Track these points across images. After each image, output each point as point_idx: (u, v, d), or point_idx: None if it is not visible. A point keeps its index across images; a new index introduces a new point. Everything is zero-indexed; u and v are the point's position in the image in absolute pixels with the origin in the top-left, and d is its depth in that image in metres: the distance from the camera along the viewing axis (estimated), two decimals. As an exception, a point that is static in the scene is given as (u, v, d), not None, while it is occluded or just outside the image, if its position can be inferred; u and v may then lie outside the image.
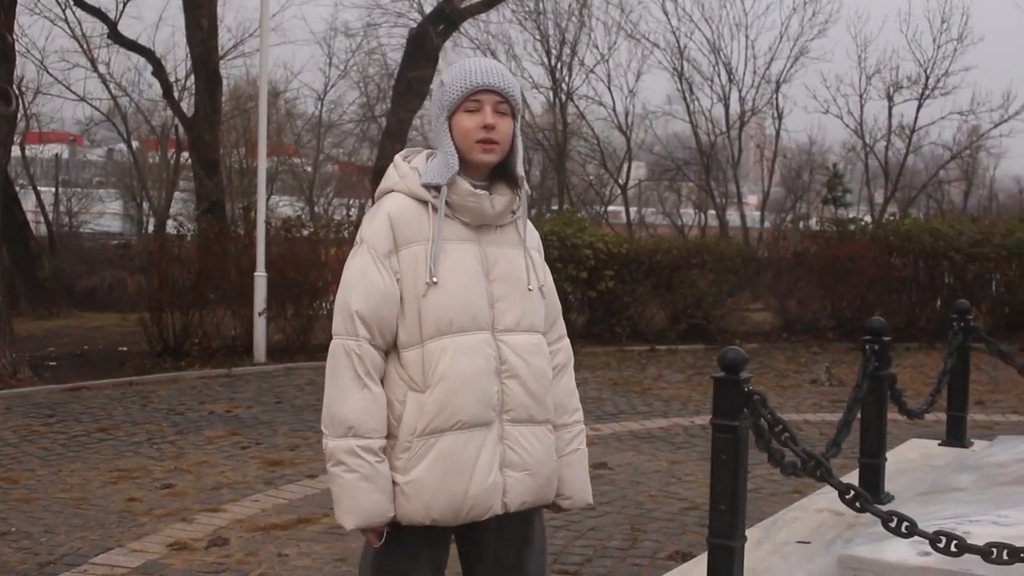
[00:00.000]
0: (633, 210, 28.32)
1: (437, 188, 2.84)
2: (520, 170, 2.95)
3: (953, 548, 3.97)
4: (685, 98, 25.49)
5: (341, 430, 2.81)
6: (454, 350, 2.80)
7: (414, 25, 19.50)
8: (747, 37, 25.34)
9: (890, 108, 27.05)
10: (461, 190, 2.85)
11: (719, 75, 25.49)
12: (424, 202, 2.87)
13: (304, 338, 14.15)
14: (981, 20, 49.83)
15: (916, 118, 27.06)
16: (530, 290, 2.94)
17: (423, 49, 17.99)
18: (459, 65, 2.94)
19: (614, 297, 15.57)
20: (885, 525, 4.09)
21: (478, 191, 2.87)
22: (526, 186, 3.01)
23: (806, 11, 25.53)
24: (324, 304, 14.60)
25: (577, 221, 16.46)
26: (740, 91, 25.48)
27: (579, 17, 25.25)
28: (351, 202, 25.75)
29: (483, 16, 21.57)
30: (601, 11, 25.63)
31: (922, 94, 26.54)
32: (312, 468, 7.79)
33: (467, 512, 2.83)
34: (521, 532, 3.02)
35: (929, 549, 4.05)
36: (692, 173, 27.87)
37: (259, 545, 5.96)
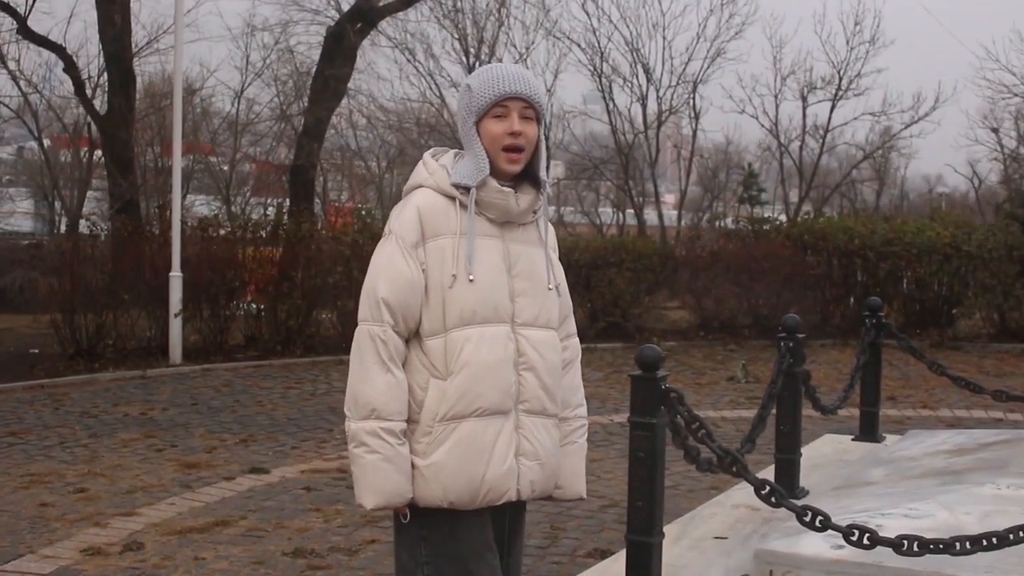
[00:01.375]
0: (552, 209, 28.38)
1: (466, 188, 2.94)
2: (543, 172, 3.04)
3: (866, 541, 4.04)
4: (604, 97, 25.60)
5: (364, 412, 2.88)
6: (477, 339, 2.89)
7: (332, 23, 19.35)
8: (665, 38, 25.51)
9: (804, 108, 27.42)
10: (489, 187, 2.94)
11: (637, 75, 25.64)
12: (451, 198, 2.96)
13: (221, 339, 14.01)
14: (893, 23, 50.88)
15: (830, 118, 27.46)
16: (549, 288, 3.05)
17: (341, 47, 17.87)
18: (487, 71, 2.99)
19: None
20: (800, 519, 4.14)
21: (505, 189, 2.97)
22: (548, 187, 3.10)
23: (723, 12, 25.69)
24: (241, 304, 14.47)
25: (496, 220, 16.44)
26: (658, 91, 25.65)
27: (497, 16, 25.23)
28: (269, 201, 25.51)
29: (401, 15, 21.46)
30: (520, 10, 25.58)
31: (835, 95, 26.93)
32: (229, 470, 7.71)
33: (484, 496, 2.91)
34: (514, 522, 3.13)
35: (843, 542, 4.12)
36: (610, 172, 28.00)
37: (175, 549, 5.88)
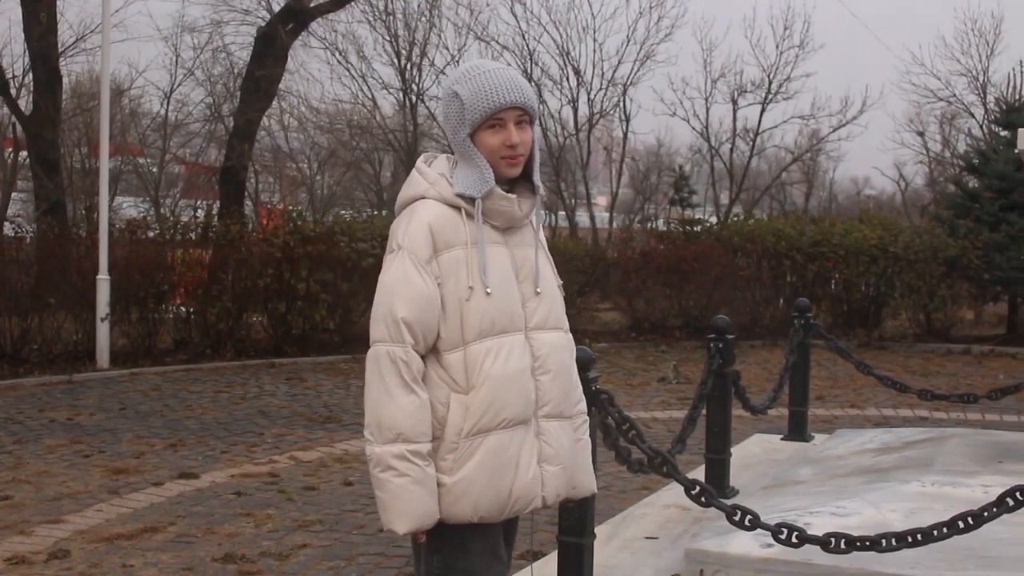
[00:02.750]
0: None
1: (470, 199, 2.89)
2: (537, 177, 3.01)
3: (794, 539, 4.08)
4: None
5: (390, 436, 2.79)
6: (497, 350, 2.85)
7: (263, 23, 19.19)
8: (595, 40, 25.68)
9: (735, 111, 27.75)
10: (495, 196, 2.90)
11: (567, 78, 25.76)
12: (457, 208, 2.90)
13: (149, 343, 13.83)
14: (821, 28, 51.41)
15: (760, 121, 27.82)
16: (539, 289, 2.98)
17: (272, 48, 17.73)
18: (476, 79, 2.89)
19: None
20: (729, 519, 4.18)
21: (510, 195, 2.93)
22: (541, 188, 3.08)
23: (652, 15, 25.91)
24: (170, 307, 14.31)
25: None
26: (588, 93, 25.80)
27: (429, 18, 25.22)
28: (199, 203, 25.23)
29: (333, 16, 21.34)
30: (451, 12, 25.57)
31: (765, 98, 27.28)
32: (158, 476, 7.61)
33: (512, 507, 2.87)
34: (510, 529, 3.09)
35: (772, 541, 4.16)
36: (542, 174, 28.02)
37: (102, 556, 5.79)
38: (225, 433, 9.27)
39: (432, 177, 2.94)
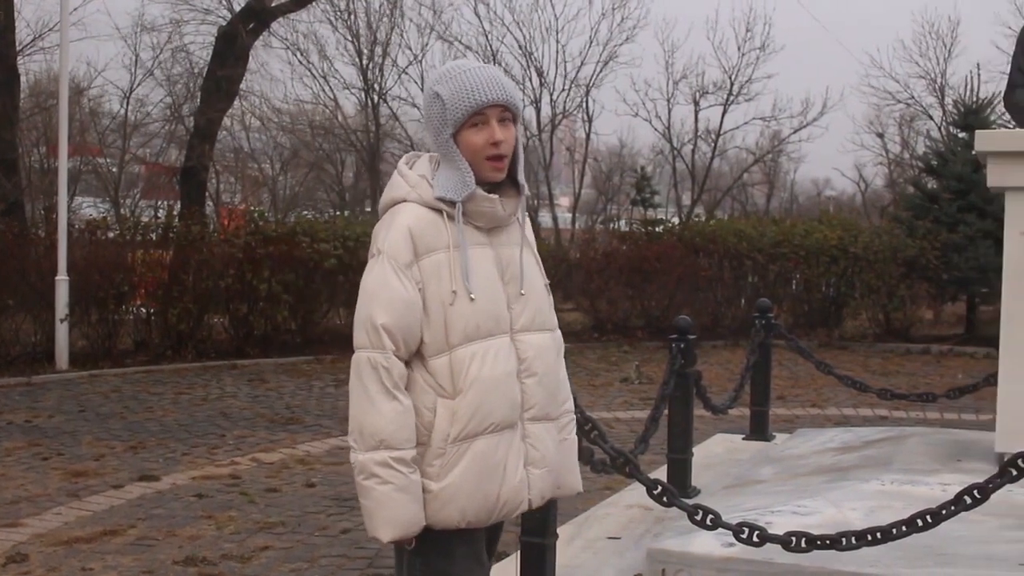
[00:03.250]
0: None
1: (451, 203, 2.84)
2: (522, 176, 2.95)
3: (755, 538, 4.11)
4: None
5: (372, 442, 2.77)
6: (483, 354, 2.81)
7: (223, 23, 19.09)
8: (558, 41, 25.71)
9: (696, 113, 27.88)
10: (476, 198, 2.85)
11: (530, 78, 25.78)
12: (438, 211, 2.86)
13: (109, 344, 13.72)
14: (782, 30, 51.54)
15: (721, 123, 27.96)
16: (523, 291, 2.93)
17: (233, 47, 17.63)
18: (457, 78, 2.85)
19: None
20: (691, 518, 4.20)
21: (492, 196, 2.88)
22: (527, 188, 3.03)
23: (615, 16, 26.02)
24: (131, 309, 14.20)
25: (390, 222, 16.37)
26: (551, 94, 25.84)
27: (391, 18, 25.17)
28: (159, 203, 25.05)
29: (294, 15, 21.25)
30: (413, 12, 25.56)
31: (727, 100, 27.42)
32: (117, 478, 7.55)
33: (499, 512, 2.86)
34: (494, 534, 3.08)
35: (733, 540, 4.18)
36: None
37: (61, 560, 5.74)
38: (186, 435, 9.21)
39: (413, 180, 2.90)
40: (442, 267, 2.81)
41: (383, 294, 2.79)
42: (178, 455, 8.39)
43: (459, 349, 2.81)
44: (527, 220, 3.06)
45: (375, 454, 2.77)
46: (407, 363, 2.82)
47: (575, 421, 3.13)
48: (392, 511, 2.77)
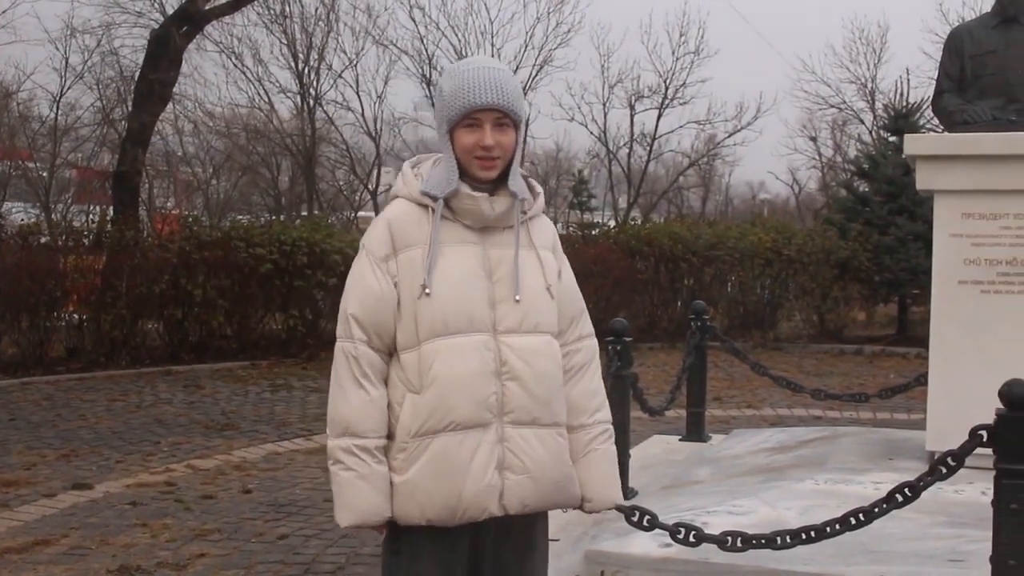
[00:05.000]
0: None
1: (435, 197, 2.86)
2: (516, 179, 2.91)
3: (691, 539, 4.14)
4: (433, 104, 25.61)
5: (339, 429, 2.84)
6: (447, 351, 2.80)
7: (156, 26, 18.88)
8: (493, 45, 25.72)
9: (632, 116, 28.03)
10: (461, 194, 2.86)
11: (466, 82, 25.74)
12: (424, 207, 2.89)
13: (41, 351, 13.50)
14: (716, 35, 52.23)
15: (657, 126, 28.13)
16: (518, 297, 2.88)
17: (166, 51, 17.43)
18: (459, 75, 2.87)
19: (365, 303, 15.48)
20: (628, 520, 4.22)
21: (476, 194, 2.86)
22: (537, 185, 3.03)
23: (550, 21, 26.08)
24: (63, 315, 13.99)
25: (326, 227, 16.33)
26: (488, 98, 25.82)
27: (326, 22, 25.05)
28: (91, 208, 24.70)
29: (228, 18, 21.07)
30: (349, 16, 25.46)
31: (662, 103, 27.61)
32: (50, 487, 7.44)
33: (462, 513, 2.81)
34: (522, 537, 2.98)
35: (670, 540, 4.21)
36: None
37: (-8, 570, 5.66)
38: (120, 442, 9.10)
39: (408, 177, 2.96)
40: (416, 262, 2.84)
41: (357, 286, 2.87)
42: (112, 463, 8.29)
43: (426, 345, 2.81)
44: (545, 222, 3.05)
45: (341, 440, 2.83)
46: (390, 357, 2.88)
47: (608, 432, 3.06)
48: (351, 498, 2.81)
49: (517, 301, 2.88)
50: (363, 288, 2.86)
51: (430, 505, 2.80)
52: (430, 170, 2.95)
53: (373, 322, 2.84)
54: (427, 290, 2.81)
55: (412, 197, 2.91)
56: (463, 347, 2.81)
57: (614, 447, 3.09)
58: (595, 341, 3.10)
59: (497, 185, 2.91)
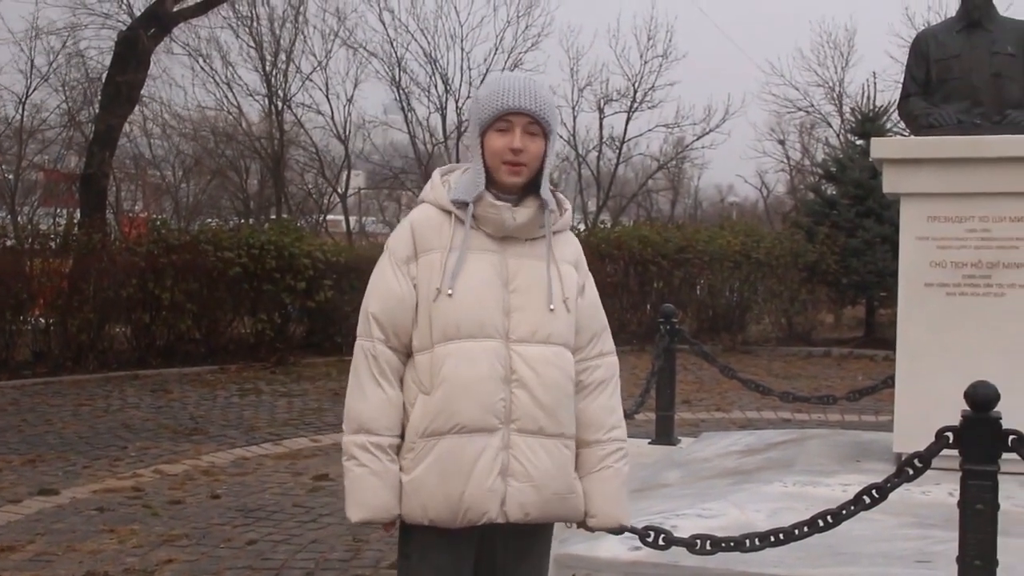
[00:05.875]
0: (353, 219, 28.22)
1: (463, 203, 2.92)
2: (546, 188, 2.96)
3: (661, 542, 4.15)
4: (403, 108, 25.60)
5: (354, 426, 2.91)
6: (458, 355, 2.86)
7: (124, 27, 18.76)
8: (463, 49, 25.69)
9: (601, 120, 28.05)
10: (483, 202, 2.91)
11: (436, 85, 25.74)
12: (448, 212, 2.95)
13: (7, 355, 13.39)
14: (684, 38, 52.48)
15: (625, 130, 28.15)
16: (552, 307, 2.94)
17: (134, 52, 17.33)
18: (495, 82, 2.95)
19: (334, 307, 15.48)
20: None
21: (498, 203, 2.91)
22: (565, 201, 3.05)
23: (519, 24, 26.05)
24: (29, 319, 13.88)
25: (295, 230, 16.27)
26: (457, 101, 25.78)
27: (294, 24, 24.95)
28: (58, 211, 24.52)
29: (196, 21, 20.96)
30: (317, 19, 25.35)
31: (631, 107, 27.64)
32: (15, 493, 7.38)
33: (463, 515, 2.85)
34: (522, 544, 3.01)
35: (639, 544, 4.22)
36: (411, 182, 28.04)
37: (-43, 577, 5.60)
38: (87, 447, 9.03)
39: (435, 183, 3.02)
40: (435, 266, 2.90)
41: (378, 286, 2.96)
42: (78, 468, 8.23)
43: (439, 347, 2.87)
44: (569, 236, 3.08)
45: (356, 437, 2.90)
46: (406, 357, 2.94)
47: (622, 451, 3.07)
48: (363, 494, 2.87)
49: (552, 310, 2.93)
50: (384, 288, 2.94)
51: (432, 504, 2.86)
52: (459, 178, 3.01)
53: (392, 322, 2.91)
54: (444, 293, 2.87)
55: (437, 202, 2.98)
56: (474, 352, 2.86)
57: (627, 468, 3.10)
58: (616, 359, 3.14)
59: (522, 197, 2.96)
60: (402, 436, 2.92)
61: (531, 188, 2.96)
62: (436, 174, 3.06)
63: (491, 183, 2.93)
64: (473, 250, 2.91)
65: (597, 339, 3.10)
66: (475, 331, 2.87)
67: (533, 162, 2.93)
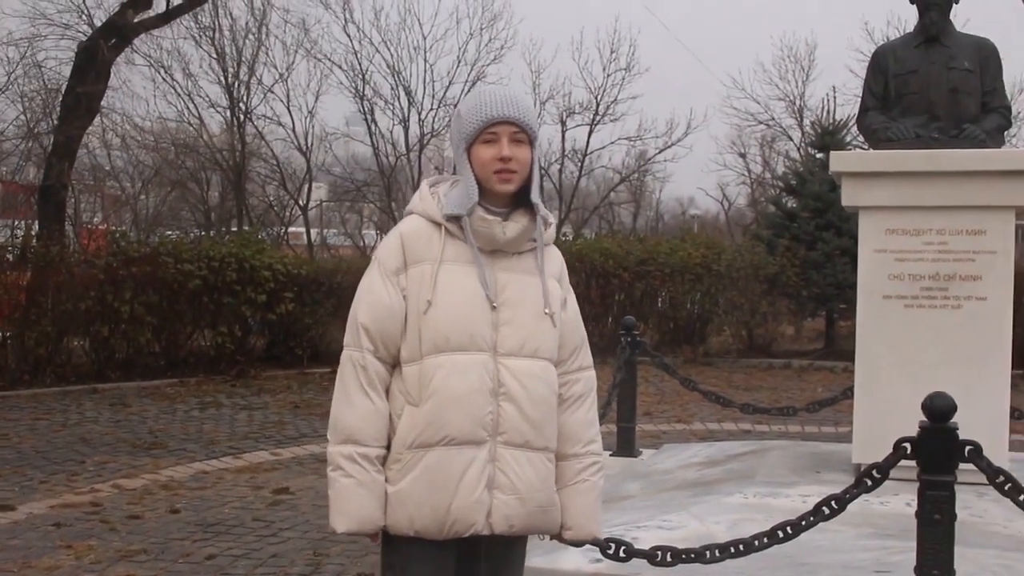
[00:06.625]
0: (315, 231, 28.10)
1: (456, 218, 2.92)
2: (536, 197, 2.98)
3: (622, 554, 4.16)
4: (365, 120, 25.54)
5: (341, 436, 2.90)
6: (448, 367, 2.86)
7: (83, 38, 18.63)
8: (426, 61, 25.68)
9: (563, 132, 28.11)
10: (474, 216, 2.92)
11: (399, 98, 25.71)
12: (437, 225, 2.95)
13: (-38, 368, 13.25)
14: (647, 52, 52.65)
15: (588, 142, 28.22)
16: (546, 313, 2.98)
17: (94, 63, 17.22)
18: (475, 95, 2.99)
19: (294, 319, 15.41)
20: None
21: (489, 216, 2.92)
22: (549, 215, 3.05)
23: (483, 37, 26.08)
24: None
25: (256, 243, 16.19)
26: (420, 113, 25.78)
27: (256, 35, 24.87)
28: (16, 223, 24.29)
29: (158, 31, 20.83)
30: (280, 30, 25.25)
31: (593, 120, 27.71)
32: (-29, 507, 7.29)
33: (450, 527, 2.86)
34: (503, 555, 3.04)
35: (600, 556, 4.22)
36: (373, 194, 27.99)
37: (-90, 594, 5.52)
38: (44, 462, 8.94)
39: (424, 194, 3.02)
40: (424, 278, 2.91)
41: (368, 297, 2.95)
42: (35, 483, 8.14)
43: (428, 359, 2.88)
44: (553, 250, 3.11)
45: (343, 447, 2.89)
46: (392, 368, 2.94)
47: (598, 465, 3.10)
48: (350, 504, 2.87)
49: (543, 321, 2.97)
50: (373, 299, 2.94)
51: (419, 516, 2.86)
52: (448, 191, 3.00)
53: (381, 333, 2.91)
54: (434, 305, 2.88)
55: (426, 214, 2.98)
56: (464, 364, 2.88)
57: (603, 482, 3.14)
58: (594, 373, 3.16)
59: (510, 211, 2.98)
60: (387, 447, 2.92)
61: (519, 201, 2.99)
62: (424, 185, 3.07)
63: (481, 196, 2.94)
64: (464, 263, 2.93)
65: (577, 353, 3.13)
66: (465, 344, 2.88)
67: (523, 169, 2.95)
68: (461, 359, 2.87)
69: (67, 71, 18.63)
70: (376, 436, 2.89)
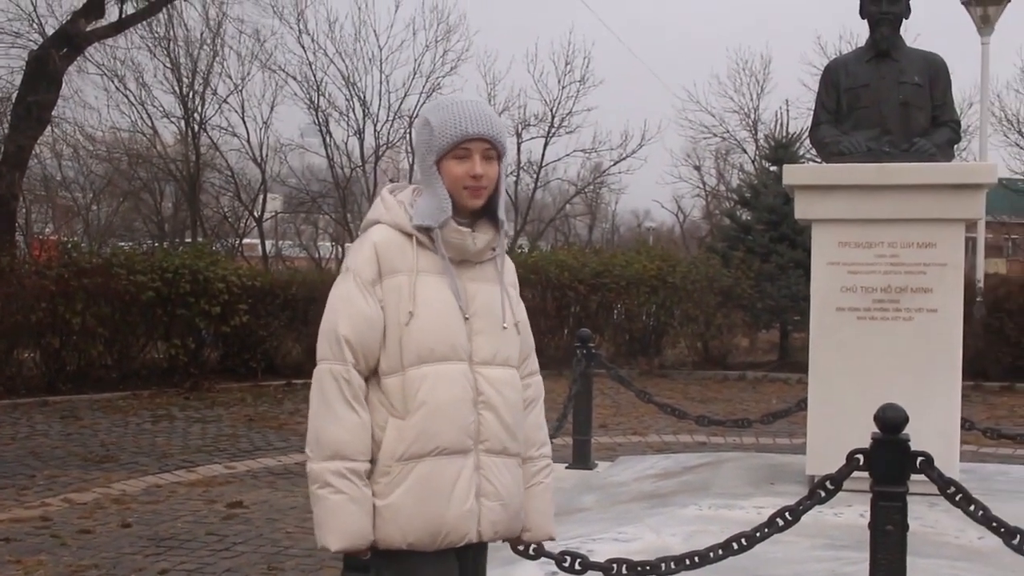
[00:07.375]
0: (269, 243, 27.95)
1: (427, 229, 2.90)
2: (502, 211, 3.01)
3: (577, 567, 4.16)
4: (320, 131, 25.45)
5: (328, 452, 2.84)
6: (435, 378, 2.86)
7: (34, 47, 18.45)
8: (382, 72, 25.63)
9: (519, 144, 28.09)
10: (448, 227, 2.91)
11: (354, 109, 25.64)
12: (408, 235, 2.93)
13: (-90, 382, 13.05)
14: (602, 64, 52.78)
15: (543, 154, 28.24)
16: (505, 326, 3.00)
17: (45, 72, 17.06)
18: (448, 108, 2.95)
19: (249, 331, 15.31)
20: (514, 548, 4.20)
21: (462, 228, 2.93)
22: (506, 225, 3.07)
23: (438, 49, 26.06)
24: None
25: (210, 254, 16.08)
26: (375, 125, 25.72)
27: (212, 45, 24.71)
28: (-35, 234, 23.98)
29: (111, 41, 20.66)
30: (235, 40, 25.10)
31: (548, 132, 27.74)
32: (-82, 523, 7.18)
33: (444, 537, 2.85)
34: (481, 561, 3.07)
35: (556, 569, 4.22)
36: (328, 206, 27.88)
37: None
38: (-7, 476, 8.83)
39: (390, 204, 2.99)
40: (402, 289, 2.90)
41: (347, 309, 2.90)
42: (-16, 497, 8.03)
43: (411, 370, 2.87)
44: (507, 260, 3.12)
45: (330, 463, 2.84)
46: (367, 381, 2.90)
47: (551, 467, 3.18)
48: (342, 521, 2.82)
49: (505, 328, 3.00)
50: (353, 310, 2.90)
51: (411, 529, 2.85)
52: (412, 199, 2.99)
53: (362, 345, 2.88)
54: (416, 317, 2.87)
55: (396, 224, 2.96)
56: (449, 374, 2.89)
57: (553, 483, 3.20)
58: (540, 378, 3.21)
59: (476, 221, 2.99)
60: (371, 460, 2.90)
61: (483, 212, 3.00)
62: (386, 192, 3.05)
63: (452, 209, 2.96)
64: (435, 274, 2.93)
65: (528, 359, 3.18)
66: (448, 354, 2.90)
67: (491, 184, 2.97)
68: (445, 369, 2.89)
69: (18, 80, 18.44)
70: (363, 450, 2.86)
